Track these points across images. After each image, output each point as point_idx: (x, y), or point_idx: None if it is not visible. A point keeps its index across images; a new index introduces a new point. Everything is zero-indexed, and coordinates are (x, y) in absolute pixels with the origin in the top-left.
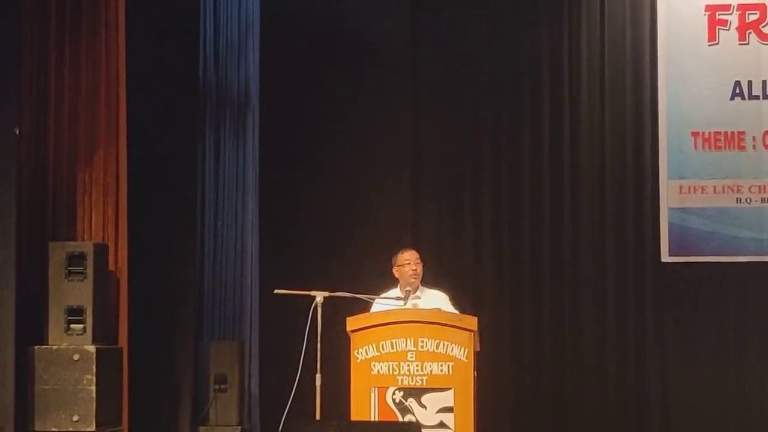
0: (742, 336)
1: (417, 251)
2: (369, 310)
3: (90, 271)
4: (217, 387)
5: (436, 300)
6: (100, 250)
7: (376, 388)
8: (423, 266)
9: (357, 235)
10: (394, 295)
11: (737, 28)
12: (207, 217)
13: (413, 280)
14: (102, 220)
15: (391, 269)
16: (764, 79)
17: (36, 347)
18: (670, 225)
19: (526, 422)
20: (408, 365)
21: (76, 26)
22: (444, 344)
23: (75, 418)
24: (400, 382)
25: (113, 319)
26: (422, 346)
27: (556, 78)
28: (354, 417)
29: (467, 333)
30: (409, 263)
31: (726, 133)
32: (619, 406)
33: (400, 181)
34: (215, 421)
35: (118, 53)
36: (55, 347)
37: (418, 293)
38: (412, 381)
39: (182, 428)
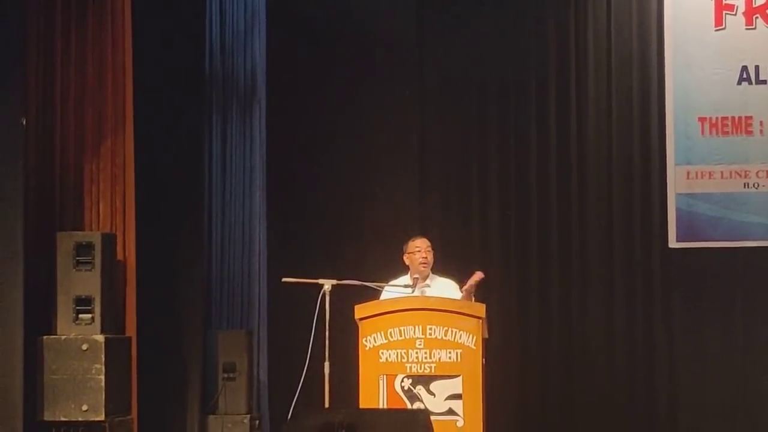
0: (750, 321)
1: (428, 239)
2: (377, 298)
3: (98, 260)
4: (225, 376)
5: (445, 288)
6: (108, 240)
7: (385, 376)
8: (434, 254)
9: (365, 224)
10: (403, 283)
11: (744, 13)
12: (215, 206)
13: (423, 267)
14: (109, 210)
15: (402, 256)
16: None
17: (45, 337)
18: (678, 211)
19: (534, 409)
20: (416, 353)
21: (81, 17)
22: (452, 331)
23: (84, 407)
24: (408, 370)
25: (121, 308)
26: (430, 334)
27: (563, 66)
28: (362, 405)
29: (475, 320)
30: (419, 251)
31: (733, 118)
32: (628, 391)
33: (408, 170)
34: (224, 410)
35: (124, 43)
36: (63, 337)
37: (428, 281)
38: (420, 368)
39: (191, 417)
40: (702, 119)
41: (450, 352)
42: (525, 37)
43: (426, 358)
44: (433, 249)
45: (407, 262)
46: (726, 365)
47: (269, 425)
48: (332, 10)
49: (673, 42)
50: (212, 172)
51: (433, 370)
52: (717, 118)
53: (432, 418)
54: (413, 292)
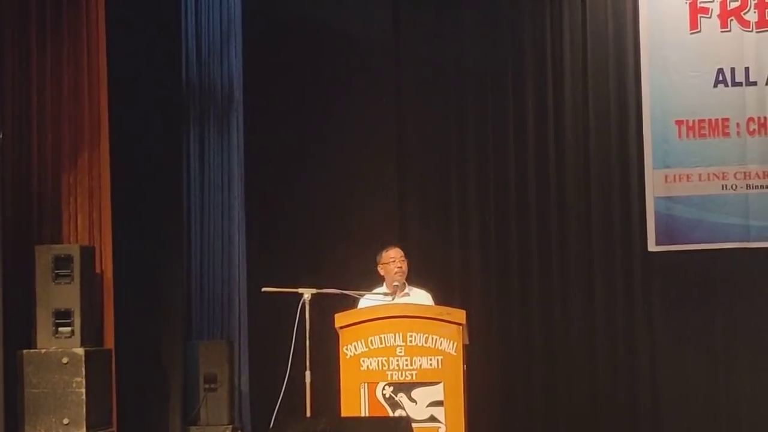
0: (731, 322)
1: (401, 248)
2: (356, 307)
3: (77, 273)
4: (207, 386)
5: (422, 299)
6: (87, 253)
7: (366, 384)
8: (408, 263)
9: (344, 232)
10: (382, 292)
11: (719, 16)
12: (193, 217)
13: (398, 277)
14: (87, 222)
15: (376, 266)
16: (747, 65)
17: (24, 351)
18: (657, 214)
19: (516, 414)
20: (397, 360)
21: (56, 29)
22: (433, 338)
23: (65, 421)
24: (389, 377)
25: (101, 321)
26: (411, 341)
27: (540, 71)
28: (344, 413)
29: (456, 326)
30: (394, 261)
31: (710, 120)
32: (609, 395)
33: (386, 177)
34: (206, 421)
35: (99, 54)
36: (43, 351)
37: (407, 290)
38: (401, 376)
39: (173, 428)
40: (679, 122)
41: (431, 359)
42: (501, 43)
43: (407, 365)
44: (406, 257)
45: (382, 272)
46: (707, 367)
47: None
48: (308, 17)
49: (649, 45)
50: (190, 182)
51: (414, 377)
52: (694, 120)
53: (414, 425)
54: (393, 299)
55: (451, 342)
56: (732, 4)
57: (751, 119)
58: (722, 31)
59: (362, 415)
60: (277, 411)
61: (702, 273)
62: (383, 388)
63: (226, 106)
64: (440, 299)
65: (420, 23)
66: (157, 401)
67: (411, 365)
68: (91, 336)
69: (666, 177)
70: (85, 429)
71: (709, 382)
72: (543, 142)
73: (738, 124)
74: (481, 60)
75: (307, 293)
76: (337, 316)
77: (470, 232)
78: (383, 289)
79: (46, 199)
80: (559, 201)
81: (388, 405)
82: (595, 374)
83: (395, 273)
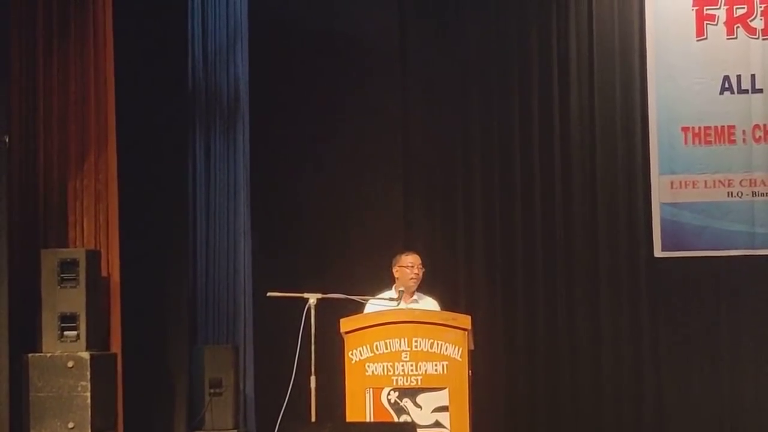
0: (735, 329)
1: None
2: (362, 312)
3: (82, 277)
4: (212, 391)
5: (429, 308)
6: (93, 257)
7: (371, 389)
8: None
9: (350, 237)
10: (388, 296)
11: (725, 23)
12: (199, 221)
13: (413, 283)
14: (93, 227)
15: (391, 268)
16: (753, 73)
17: (30, 355)
18: (663, 220)
19: (521, 420)
20: (402, 365)
21: (63, 32)
22: (438, 344)
23: (70, 425)
24: (394, 383)
25: (106, 325)
26: (416, 346)
27: (546, 77)
28: (349, 418)
29: (461, 332)
30: (412, 267)
31: (716, 127)
32: (614, 402)
33: (392, 182)
34: (211, 426)
35: (106, 58)
36: (49, 354)
37: (415, 297)
38: (406, 381)
39: None
40: (685, 129)
41: (436, 365)
42: (507, 50)
43: (412, 370)
44: (423, 266)
45: (396, 275)
46: (711, 373)
47: None
48: (315, 22)
49: (655, 53)
50: (196, 187)
51: (419, 383)
52: (700, 127)
53: (419, 430)
54: (398, 305)
55: (457, 347)
56: (738, 11)
57: (756, 126)
58: (728, 39)
59: (367, 420)
60: (282, 416)
61: (707, 279)
62: (388, 394)
63: (232, 111)
64: (445, 304)
65: (426, 28)
66: (163, 406)
67: (416, 370)
68: (96, 340)
69: (672, 183)
70: None
71: (714, 388)
72: (549, 148)
73: (744, 131)
74: (487, 68)
75: (312, 298)
76: (342, 321)
77: (476, 237)
78: (390, 293)
79: (52, 203)
80: (565, 207)
81: (393, 410)
82: (600, 380)
83: (410, 279)
